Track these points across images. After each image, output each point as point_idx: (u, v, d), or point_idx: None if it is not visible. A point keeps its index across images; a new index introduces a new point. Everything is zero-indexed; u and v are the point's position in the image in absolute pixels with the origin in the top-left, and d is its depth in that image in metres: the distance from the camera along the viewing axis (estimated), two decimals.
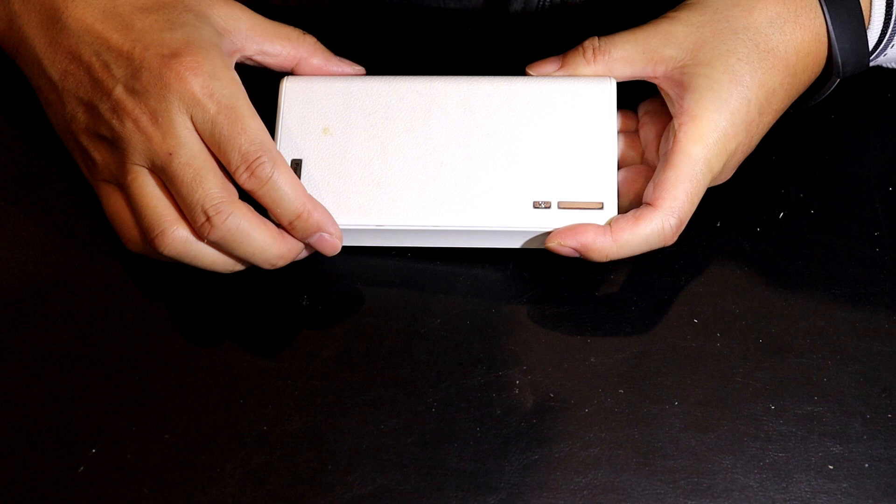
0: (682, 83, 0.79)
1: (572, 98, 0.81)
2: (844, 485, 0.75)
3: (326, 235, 0.79)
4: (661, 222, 0.78)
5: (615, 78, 0.81)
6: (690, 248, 0.82)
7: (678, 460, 0.76)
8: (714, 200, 0.83)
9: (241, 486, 0.75)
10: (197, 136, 0.77)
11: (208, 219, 0.76)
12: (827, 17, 0.80)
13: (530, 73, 0.82)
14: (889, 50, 0.83)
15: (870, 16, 0.81)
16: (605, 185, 0.79)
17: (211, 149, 0.77)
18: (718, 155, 0.78)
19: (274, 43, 0.81)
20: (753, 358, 0.79)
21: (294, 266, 0.81)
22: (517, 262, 0.82)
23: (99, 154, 0.79)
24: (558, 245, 0.79)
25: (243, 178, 0.77)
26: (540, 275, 0.82)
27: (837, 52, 0.80)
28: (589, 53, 0.81)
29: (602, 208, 0.79)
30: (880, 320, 0.80)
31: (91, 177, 0.80)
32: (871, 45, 0.82)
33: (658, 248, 0.79)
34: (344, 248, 0.81)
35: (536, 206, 0.79)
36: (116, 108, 0.77)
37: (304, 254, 0.80)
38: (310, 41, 0.82)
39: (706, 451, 0.76)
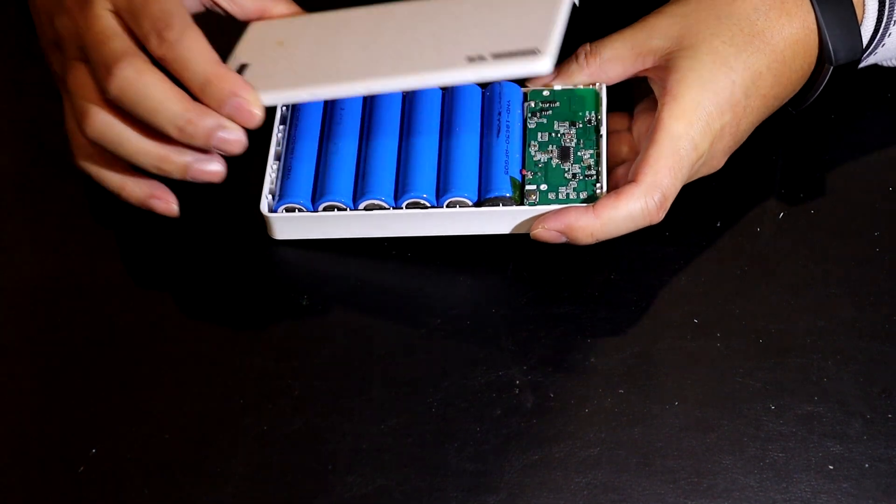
0: (668, 68, 0.80)
1: None
2: (844, 485, 0.75)
3: (243, 101, 0.76)
4: (644, 198, 0.78)
5: (610, 80, 0.83)
6: (690, 248, 0.82)
7: (678, 460, 0.76)
8: (714, 200, 0.83)
9: (241, 486, 0.75)
10: (116, 19, 0.77)
11: (108, 72, 0.75)
12: (815, 3, 0.80)
13: (529, 86, 0.84)
14: (886, 39, 0.83)
15: (863, 10, 0.81)
16: (541, 31, 0.76)
17: (129, 25, 0.77)
18: (703, 133, 0.78)
19: None
20: (753, 358, 0.79)
21: (294, 266, 0.81)
22: (517, 262, 0.82)
23: (57, 63, 0.80)
24: (542, 230, 0.79)
25: (154, 45, 0.76)
26: (540, 275, 0.82)
27: (828, 38, 0.80)
28: (581, 58, 0.83)
29: (537, 54, 0.75)
30: (880, 320, 0.80)
31: (62, 91, 0.81)
32: (865, 40, 0.82)
33: (645, 225, 0.78)
34: (344, 248, 0.81)
35: (471, 60, 0.77)
36: (60, 10, 0.79)
37: (227, 139, 0.77)
38: None
39: (706, 451, 0.76)
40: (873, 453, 0.76)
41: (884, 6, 0.81)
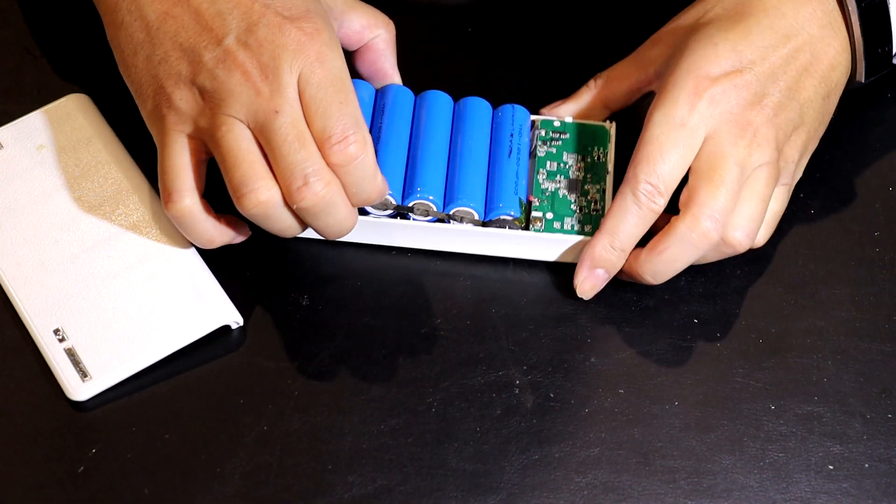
0: (665, 73, 0.80)
1: None
2: (844, 485, 0.75)
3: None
4: (630, 193, 0.78)
5: (617, 99, 0.84)
6: None
7: (678, 460, 0.76)
8: None
9: (241, 486, 0.75)
10: (299, 100, 0.76)
11: (306, 183, 0.75)
12: None
13: (543, 113, 0.85)
14: None
15: None
16: None
17: (307, 115, 0.76)
18: (688, 103, 0.77)
19: (360, 17, 0.82)
20: (753, 358, 0.79)
21: (294, 266, 0.81)
22: (517, 262, 0.82)
23: (186, 103, 0.76)
24: (581, 282, 0.80)
25: (335, 150, 0.75)
26: (540, 275, 0.82)
27: None
28: (591, 83, 0.85)
29: None
30: (880, 320, 0.80)
31: (163, 124, 0.78)
32: None
33: (654, 218, 0.78)
34: (344, 248, 0.81)
35: None
36: (225, 58, 0.75)
37: None
38: (386, 28, 0.83)
39: (706, 451, 0.76)
40: (873, 453, 0.76)
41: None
